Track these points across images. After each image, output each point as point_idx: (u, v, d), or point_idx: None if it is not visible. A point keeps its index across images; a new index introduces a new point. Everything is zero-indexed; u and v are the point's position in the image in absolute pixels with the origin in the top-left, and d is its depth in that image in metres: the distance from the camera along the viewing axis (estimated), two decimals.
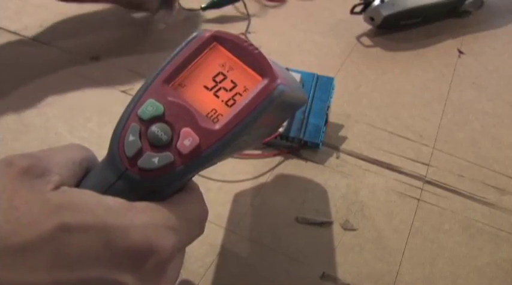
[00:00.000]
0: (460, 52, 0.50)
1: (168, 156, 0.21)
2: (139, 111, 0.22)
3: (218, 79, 0.23)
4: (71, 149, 0.22)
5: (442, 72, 0.47)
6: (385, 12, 0.48)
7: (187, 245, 0.23)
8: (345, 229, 0.34)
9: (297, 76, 0.39)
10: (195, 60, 0.23)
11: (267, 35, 0.50)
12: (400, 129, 0.41)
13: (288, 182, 0.37)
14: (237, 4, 0.53)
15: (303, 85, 0.39)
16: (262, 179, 0.37)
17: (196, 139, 0.21)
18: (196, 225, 0.23)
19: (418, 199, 0.36)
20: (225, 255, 0.32)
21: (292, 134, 0.38)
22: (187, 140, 0.21)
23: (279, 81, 0.22)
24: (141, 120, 0.22)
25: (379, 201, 0.36)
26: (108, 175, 0.22)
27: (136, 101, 0.22)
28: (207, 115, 0.22)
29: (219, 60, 0.23)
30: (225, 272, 0.31)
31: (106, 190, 0.21)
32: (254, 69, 0.23)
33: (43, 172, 0.19)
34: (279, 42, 0.50)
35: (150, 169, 0.21)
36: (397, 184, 0.37)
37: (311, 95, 0.39)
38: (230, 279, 0.31)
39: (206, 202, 0.23)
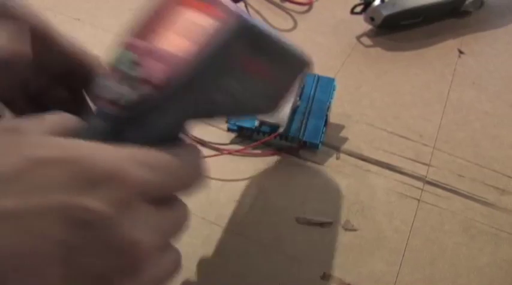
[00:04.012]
0: (460, 52, 0.50)
1: (138, 88, 0.22)
2: (111, 60, 0.23)
3: (185, 24, 0.25)
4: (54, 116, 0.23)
5: (442, 72, 0.47)
6: (386, 12, 0.48)
7: (177, 189, 0.23)
8: (346, 229, 0.34)
9: None
10: (161, 13, 0.25)
11: None
12: (400, 129, 0.41)
13: (288, 182, 0.37)
14: (238, 4, 0.53)
15: (303, 86, 0.39)
16: (262, 179, 0.37)
17: (164, 67, 0.22)
18: (184, 170, 0.22)
19: (419, 200, 0.36)
20: (225, 255, 0.32)
21: (291, 134, 0.38)
22: (156, 70, 0.22)
23: (240, 11, 0.24)
24: (111, 66, 0.23)
25: (379, 201, 0.36)
26: (84, 119, 0.23)
27: (111, 55, 0.24)
28: (176, 51, 0.23)
29: (183, 8, 0.25)
30: (225, 272, 0.31)
31: (85, 132, 0.22)
32: (216, 8, 0.24)
33: (18, 128, 0.20)
34: None
35: (124, 103, 0.22)
36: (397, 185, 0.37)
37: (311, 95, 0.39)
38: (230, 279, 0.31)
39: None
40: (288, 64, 0.28)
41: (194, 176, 0.23)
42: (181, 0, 0.26)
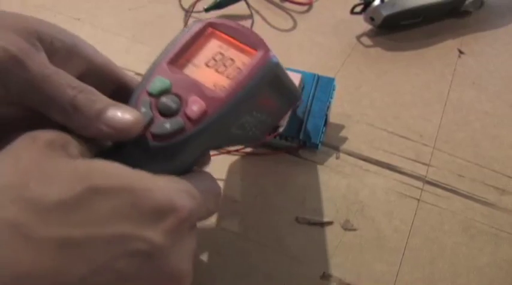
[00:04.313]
0: (460, 52, 0.50)
1: (178, 121, 0.23)
2: (149, 87, 0.24)
3: (218, 58, 0.25)
4: None
5: (442, 72, 0.47)
6: (386, 12, 0.48)
7: (203, 217, 0.24)
8: (345, 229, 0.34)
9: (297, 77, 0.38)
10: (195, 44, 0.26)
11: (268, 34, 0.50)
12: (400, 129, 0.41)
13: (288, 182, 0.37)
14: (239, 4, 0.53)
15: (303, 86, 0.39)
16: (262, 179, 0.37)
17: (203, 104, 0.23)
18: (211, 199, 0.24)
19: (418, 199, 0.36)
20: (225, 255, 0.32)
21: (291, 134, 0.38)
22: (195, 106, 0.23)
23: (271, 53, 0.25)
24: (151, 94, 0.24)
25: (379, 201, 0.36)
26: (125, 146, 0.23)
27: (145, 80, 0.24)
28: (211, 87, 0.24)
29: (216, 42, 0.26)
30: (225, 272, 0.31)
31: (125, 161, 0.22)
32: (249, 45, 0.25)
33: (64, 144, 0.20)
34: (280, 42, 0.50)
35: (163, 134, 0.23)
36: (397, 184, 0.37)
37: (311, 95, 0.39)
38: (230, 279, 0.31)
39: None
40: (289, 98, 0.29)
41: (216, 203, 0.25)
42: (214, 32, 0.26)
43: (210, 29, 0.26)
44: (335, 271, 0.32)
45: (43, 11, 0.52)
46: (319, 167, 0.38)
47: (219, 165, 0.37)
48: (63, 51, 0.23)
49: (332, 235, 0.33)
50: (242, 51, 0.26)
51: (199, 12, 0.52)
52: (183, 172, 0.24)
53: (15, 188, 0.18)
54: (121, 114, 0.22)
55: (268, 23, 0.52)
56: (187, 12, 0.52)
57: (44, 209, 0.18)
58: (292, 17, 0.53)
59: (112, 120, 0.21)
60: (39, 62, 0.21)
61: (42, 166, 0.19)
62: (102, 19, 0.51)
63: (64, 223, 0.18)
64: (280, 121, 0.34)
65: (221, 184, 0.36)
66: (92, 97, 0.22)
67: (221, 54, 0.26)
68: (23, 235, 0.17)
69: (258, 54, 0.25)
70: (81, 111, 0.21)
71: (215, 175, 0.36)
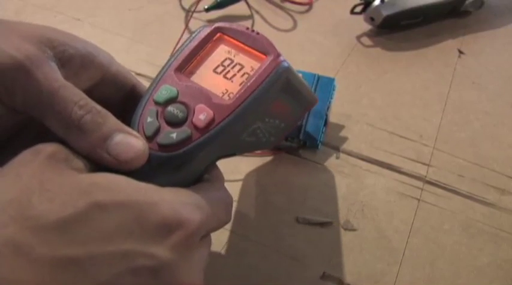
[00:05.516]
0: (460, 52, 0.50)
1: (185, 131, 0.22)
2: (155, 96, 0.23)
3: (226, 63, 0.25)
4: None
5: (442, 72, 0.47)
6: (386, 12, 0.48)
7: (215, 228, 0.23)
8: (345, 229, 0.34)
9: None
10: (203, 50, 0.25)
11: (268, 34, 0.50)
12: (400, 129, 0.41)
13: (288, 182, 0.37)
14: (239, 4, 0.53)
15: None
16: (262, 179, 0.37)
17: (211, 112, 0.22)
18: (222, 209, 0.23)
19: (418, 199, 0.36)
20: (226, 255, 0.32)
21: (291, 134, 0.38)
22: (202, 114, 0.22)
23: (282, 57, 0.24)
24: (157, 103, 0.23)
25: (379, 201, 0.36)
26: None
27: (152, 89, 0.24)
28: (219, 94, 0.23)
29: (224, 47, 0.25)
30: (225, 272, 0.31)
31: (130, 174, 0.21)
32: (258, 50, 0.25)
33: (67, 157, 0.20)
34: (280, 42, 0.49)
35: (169, 144, 0.22)
36: (397, 184, 0.37)
37: None
38: (230, 279, 0.31)
39: None
40: (303, 102, 0.29)
41: (228, 212, 0.24)
42: (222, 37, 0.26)
43: (218, 34, 0.25)
44: (335, 271, 0.32)
45: (43, 11, 0.52)
46: (319, 167, 0.38)
47: (219, 165, 0.37)
48: (77, 60, 0.23)
49: (332, 235, 0.33)
50: (251, 56, 0.25)
51: (200, 12, 0.52)
52: (192, 182, 0.23)
53: (16, 205, 0.17)
54: (125, 146, 0.21)
55: (268, 23, 0.52)
56: (189, 12, 0.52)
57: (45, 228, 0.17)
58: (292, 17, 0.53)
59: (115, 150, 0.21)
60: (48, 73, 0.20)
61: (44, 181, 0.18)
62: (102, 19, 0.51)
63: (66, 241, 0.17)
64: (295, 126, 0.33)
65: None
66: (99, 120, 0.21)
67: (230, 59, 0.25)
68: (23, 253, 0.17)
69: (268, 59, 0.24)
70: (85, 134, 0.20)
71: None
